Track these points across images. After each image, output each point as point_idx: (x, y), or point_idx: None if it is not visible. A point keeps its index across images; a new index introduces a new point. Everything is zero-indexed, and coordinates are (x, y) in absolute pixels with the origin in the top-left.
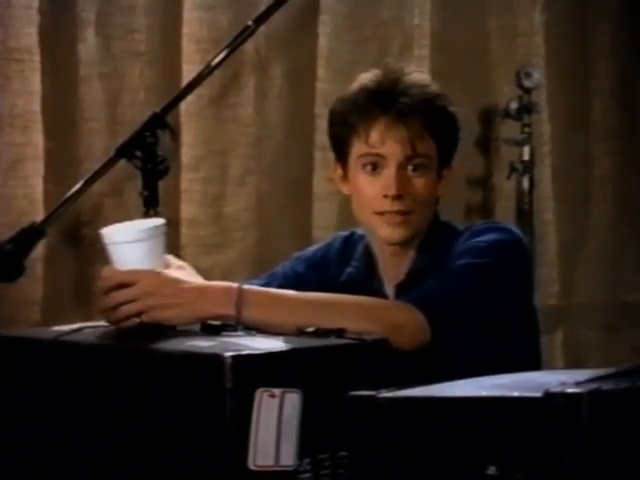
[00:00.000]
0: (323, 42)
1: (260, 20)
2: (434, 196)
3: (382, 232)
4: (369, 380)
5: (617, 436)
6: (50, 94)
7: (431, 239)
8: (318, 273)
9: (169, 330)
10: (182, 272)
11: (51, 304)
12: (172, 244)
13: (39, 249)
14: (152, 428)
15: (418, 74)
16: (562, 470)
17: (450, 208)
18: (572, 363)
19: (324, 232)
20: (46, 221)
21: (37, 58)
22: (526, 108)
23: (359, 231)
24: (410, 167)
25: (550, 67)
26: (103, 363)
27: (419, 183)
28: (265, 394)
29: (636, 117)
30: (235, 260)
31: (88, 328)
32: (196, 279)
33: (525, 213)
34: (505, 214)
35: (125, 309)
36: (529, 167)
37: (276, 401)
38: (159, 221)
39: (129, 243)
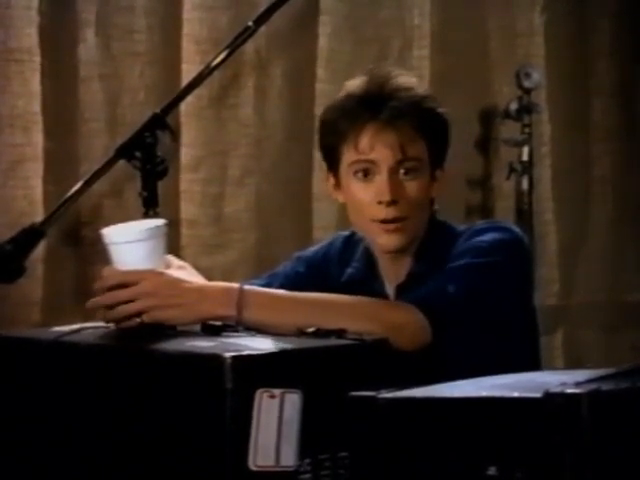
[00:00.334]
0: (323, 42)
1: (260, 20)
2: (428, 198)
3: (379, 240)
4: (369, 380)
5: (617, 436)
6: (50, 95)
7: (430, 240)
8: (319, 273)
9: (169, 330)
10: (183, 272)
11: (51, 304)
12: (172, 245)
13: (39, 250)
14: (152, 428)
15: (404, 77)
16: (562, 470)
17: (450, 208)
18: (572, 363)
19: (324, 232)
20: (46, 222)
21: (37, 59)
22: (526, 108)
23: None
24: (402, 171)
25: (550, 67)
26: (103, 363)
27: (412, 187)
28: (265, 394)
29: (636, 117)
30: (235, 260)
31: (88, 328)
32: (197, 279)
33: (525, 213)
34: (505, 214)
35: (125, 309)
36: (528, 167)
37: (276, 401)
38: (160, 221)
39: (130, 243)
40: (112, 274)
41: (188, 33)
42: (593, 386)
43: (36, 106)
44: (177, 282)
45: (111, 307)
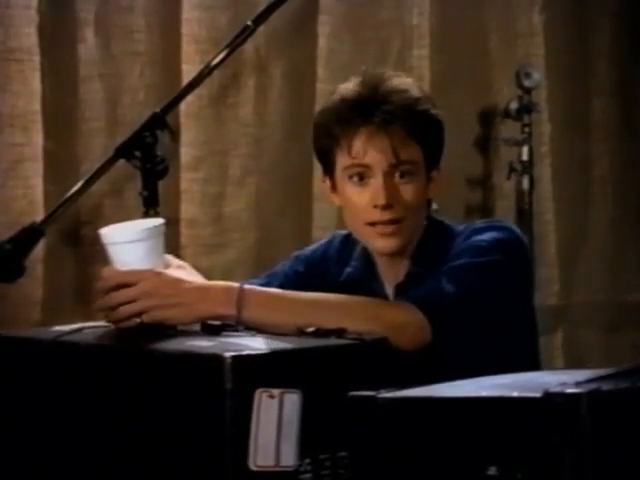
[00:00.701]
0: (322, 42)
1: (259, 20)
2: (424, 200)
3: (375, 244)
4: (369, 380)
5: (617, 436)
6: (50, 94)
7: (428, 240)
8: (318, 272)
9: (169, 330)
10: (182, 272)
11: (51, 304)
12: (172, 244)
13: (39, 249)
14: (152, 428)
15: (398, 79)
16: (562, 470)
17: (450, 208)
18: (572, 363)
19: (324, 232)
20: (46, 221)
21: (37, 58)
22: (526, 108)
23: None
24: (397, 174)
25: (550, 67)
26: (103, 363)
27: (407, 190)
28: (264, 394)
29: (636, 117)
30: (235, 260)
31: (88, 328)
32: (196, 278)
33: (525, 213)
34: (505, 214)
35: (126, 309)
36: (528, 167)
37: (275, 401)
38: (158, 221)
39: (129, 243)
40: (111, 275)
41: (187, 33)
42: (593, 386)
43: (36, 106)
44: (176, 282)
45: (112, 308)
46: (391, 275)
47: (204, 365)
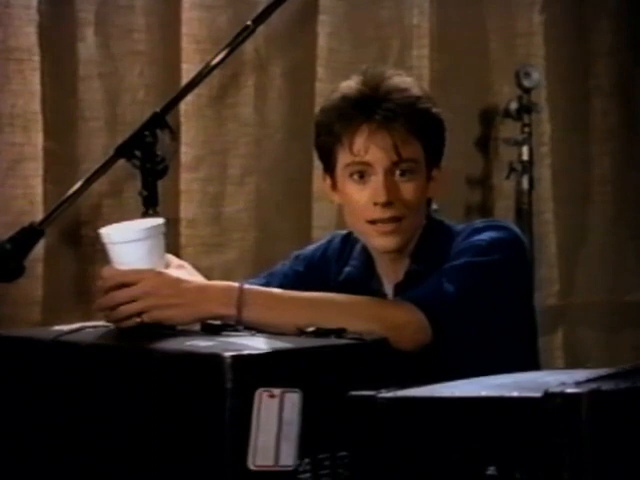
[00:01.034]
0: (322, 42)
1: (259, 20)
2: (425, 198)
3: (375, 242)
4: (369, 380)
5: (617, 436)
6: (50, 94)
7: (427, 239)
8: (317, 272)
9: (169, 330)
10: (183, 271)
11: (51, 304)
12: (172, 244)
13: (38, 249)
14: (152, 428)
15: (399, 77)
16: (562, 470)
17: (450, 208)
18: (572, 363)
19: (323, 232)
20: (45, 221)
21: (36, 58)
22: (525, 108)
23: None
24: (397, 172)
25: (549, 67)
26: (103, 363)
27: (408, 188)
28: (265, 394)
29: (636, 117)
30: (235, 260)
31: (88, 328)
32: (196, 278)
33: (524, 213)
34: (504, 214)
35: (126, 309)
36: (528, 167)
37: (276, 401)
38: (158, 220)
39: (128, 243)
40: (112, 274)
41: (187, 32)
42: (593, 386)
43: (36, 105)
44: (176, 282)
45: (112, 308)
46: (390, 274)
47: (204, 365)
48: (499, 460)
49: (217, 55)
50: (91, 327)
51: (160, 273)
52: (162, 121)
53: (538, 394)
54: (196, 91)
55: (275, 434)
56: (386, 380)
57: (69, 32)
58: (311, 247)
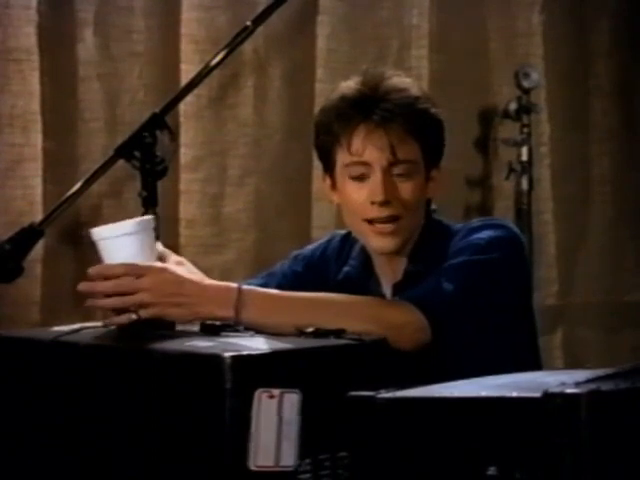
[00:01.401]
0: (322, 43)
1: (258, 20)
2: (423, 198)
3: (373, 243)
4: (368, 380)
5: (616, 436)
6: (49, 94)
7: (425, 239)
8: (316, 272)
9: (169, 330)
10: (182, 268)
11: (50, 304)
12: (171, 244)
13: (38, 249)
14: (152, 428)
15: (398, 78)
16: (562, 470)
17: (449, 208)
18: (571, 363)
19: (323, 232)
20: (45, 221)
21: (36, 58)
22: (525, 108)
23: None
24: (395, 172)
25: (549, 67)
26: (103, 363)
27: (405, 188)
28: (264, 395)
29: (635, 117)
30: (234, 260)
31: (88, 328)
32: (196, 275)
33: (524, 213)
34: (504, 214)
35: (123, 299)
36: (528, 167)
37: (275, 401)
38: (147, 216)
39: (118, 237)
40: (114, 266)
41: (187, 33)
42: (593, 386)
43: (35, 106)
44: (179, 281)
45: (109, 296)
46: (389, 274)
47: (204, 365)
48: (499, 460)
49: (216, 56)
50: (91, 328)
51: (164, 269)
52: (161, 122)
53: (538, 394)
54: (195, 92)
55: (275, 434)
56: (385, 380)
57: (69, 33)
58: (311, 246)
